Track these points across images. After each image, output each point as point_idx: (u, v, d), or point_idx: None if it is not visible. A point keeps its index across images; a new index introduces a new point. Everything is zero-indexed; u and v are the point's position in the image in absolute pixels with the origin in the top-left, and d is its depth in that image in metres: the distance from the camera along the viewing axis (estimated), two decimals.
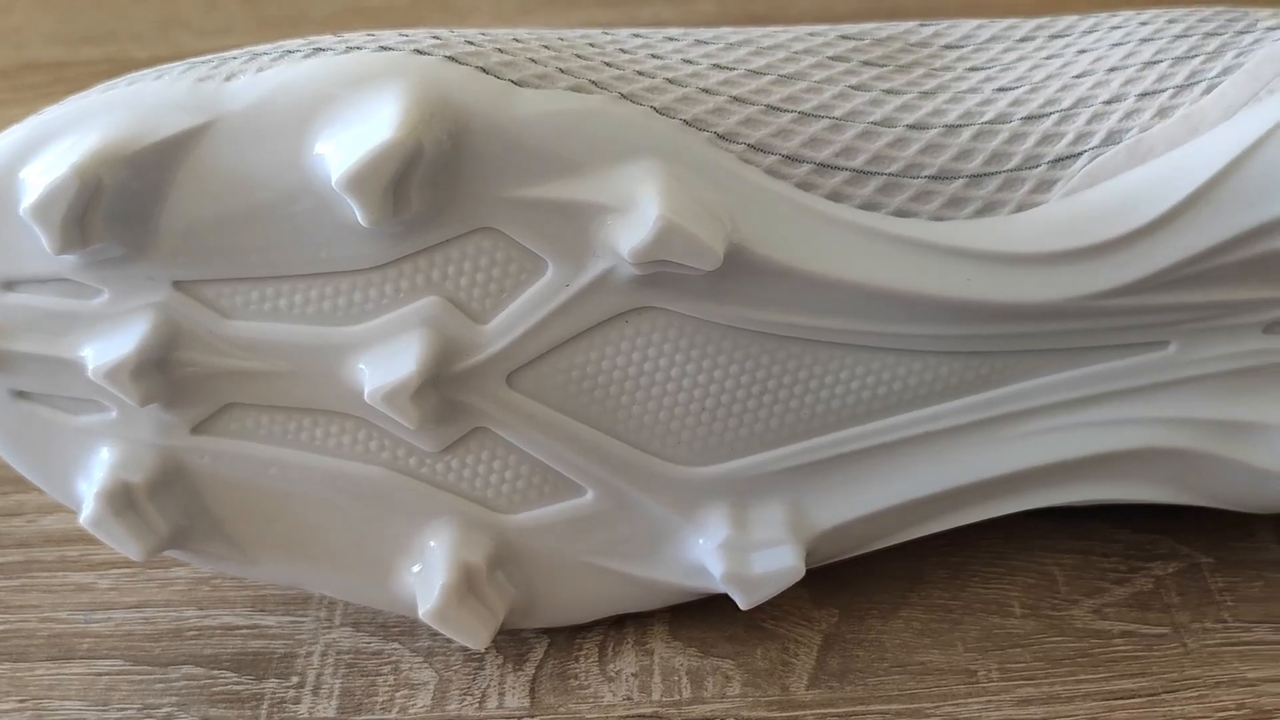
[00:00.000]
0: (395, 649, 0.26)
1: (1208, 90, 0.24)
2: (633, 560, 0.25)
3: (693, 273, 0.22)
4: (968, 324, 0.24)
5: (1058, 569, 0.27)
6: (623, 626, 0.26)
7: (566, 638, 0.26)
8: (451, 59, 0.22)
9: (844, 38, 0.26)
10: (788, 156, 0.23)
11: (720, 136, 0.23)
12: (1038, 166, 0.24)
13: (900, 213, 0.24)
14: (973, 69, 0.26)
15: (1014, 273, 0.23)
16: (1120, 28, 0.26)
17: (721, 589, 0.24)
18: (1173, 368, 0.24)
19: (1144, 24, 0.26)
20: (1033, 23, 0.27)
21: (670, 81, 0.24)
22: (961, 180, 0.24)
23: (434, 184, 0.22)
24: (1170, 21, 0.26)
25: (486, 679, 0.25)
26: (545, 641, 0.26)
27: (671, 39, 0.25)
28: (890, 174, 0.24)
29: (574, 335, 0.23)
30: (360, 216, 0.21)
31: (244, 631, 0.27)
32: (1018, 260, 0.23)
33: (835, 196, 0.23)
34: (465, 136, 0.22)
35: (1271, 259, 0.23)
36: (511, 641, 0.26)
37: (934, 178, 0.24)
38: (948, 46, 0.26)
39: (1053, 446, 0.25)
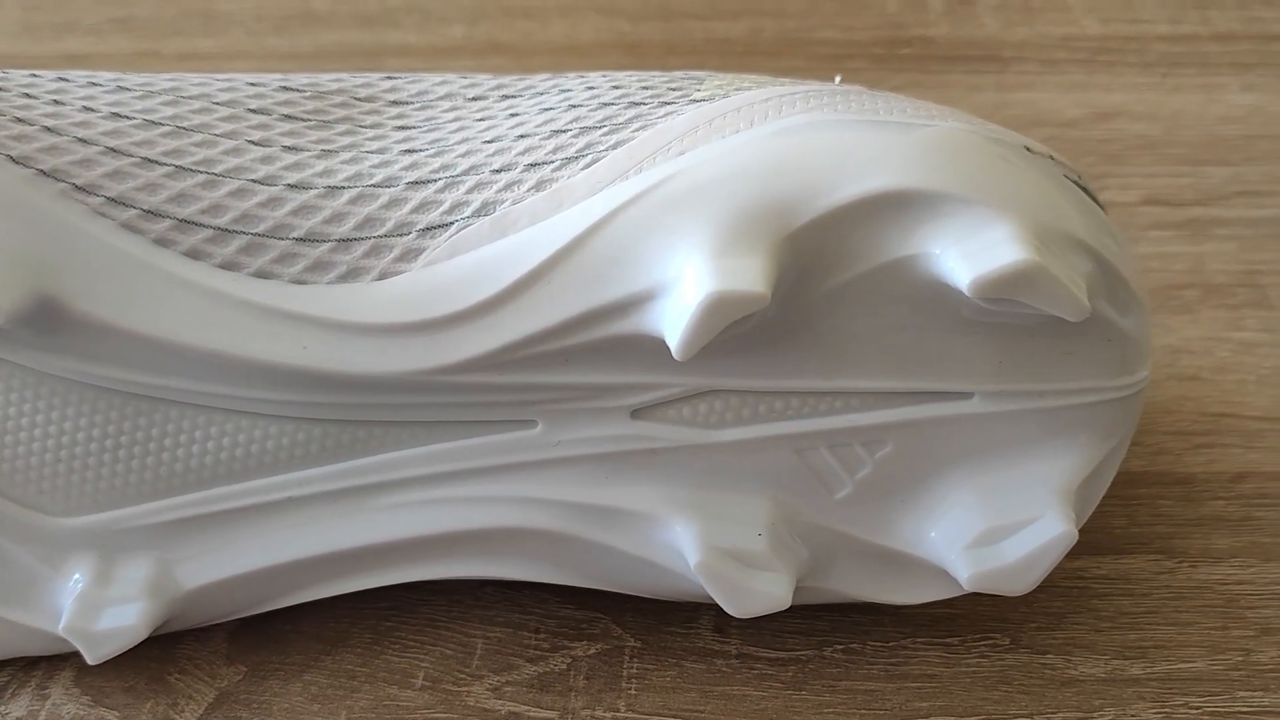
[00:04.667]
0: None
1: (591, 164, 0.23)
2: (9, 606, 0.25)
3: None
4: (312, 392, 0.23)
5: (482, 641, 0.26)
6: (34, 668, 0.26)
7: None
8: None
9: (285, 88, 0.26)
10: (149, 211, 0.23)
11: (78, 188, 0.23)
12: (408, 234, 0.23)
13: (261, 274, 0.23)
14: (402, 128, 0.25)
15: (353, 343, 0.23)
16: (568, 90, 0.26)
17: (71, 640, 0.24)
18: (540, 448, 0.24)
19: (590, 87, 0.26)
20: (495, 80, 0.27)
21: (47, 130, 0.23)
22: (329, 244, 0.23)
23: None
24: (615, 86, 0.25)
25: None
26: None
27: (94, 84, 0.25)
28: (256, 234, 0.23)
29: None
30: None
31: None
32: (358, 330, 0.23)
33: (194, 254, 0.23)
34: None
35: (623, 343, 0.23)
36: None
37: (300, 240, 0.23)
38: (395, 102, 0.26)
39: (422, 520, 0.24)
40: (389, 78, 0.27)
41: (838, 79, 0.27)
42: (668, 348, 0.22)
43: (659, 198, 0.22)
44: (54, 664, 0.26)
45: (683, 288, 0.21)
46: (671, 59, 0.46)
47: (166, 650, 0.26)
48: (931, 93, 0.43)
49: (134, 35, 0.49)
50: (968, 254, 0.21)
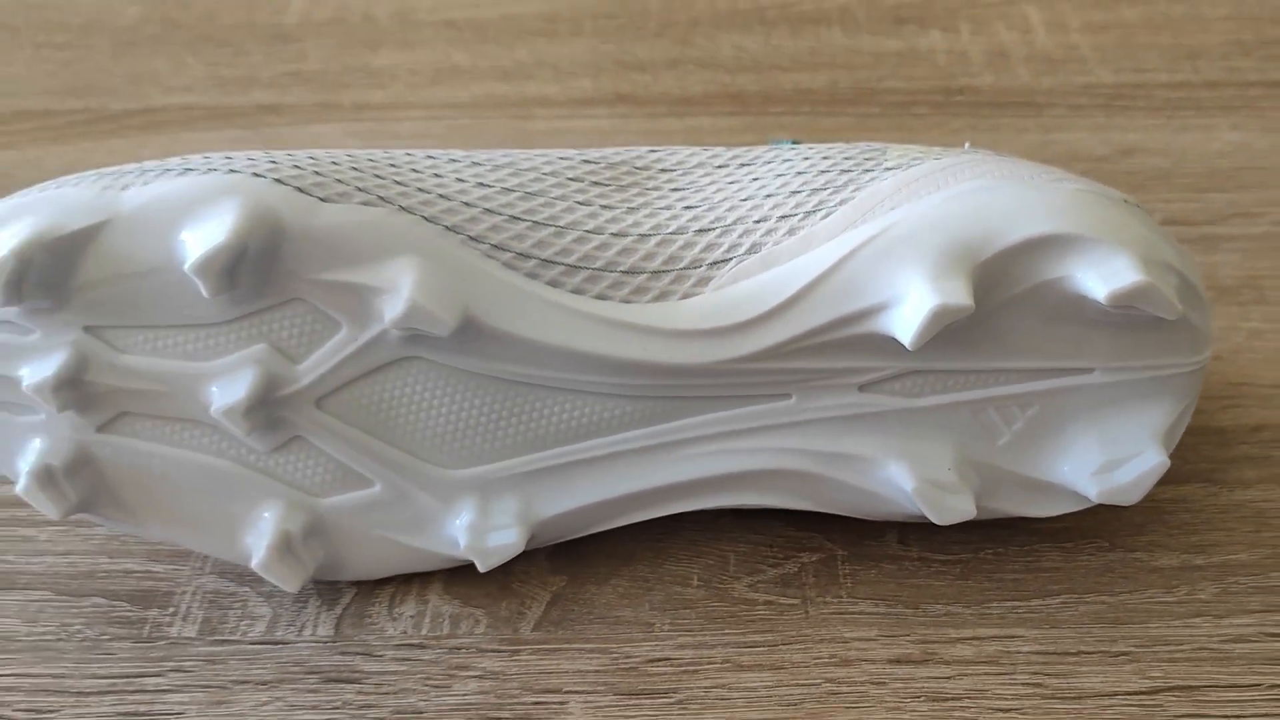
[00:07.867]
0: (246, 591, 0.36)
1: (825, 216, 0.34)
2: (411, 535, 0.35)
3: (438, 335, 0.32)
4: (644, 378, 0.33)
5: (733, 554, 0.37)
6: (410, 582, 0.36)
7: (369, 588, 0.36)
8: (278, 181, 0.32)
9: (586, 161, 0.36)
10: (520, 254, 0.33)
11: (471, 238, 0.33)
12: (700, 267, 0.34)
13: (600, 297, 0.33)
14: (675, 189, 0.36)
15: (676, 343, 0.33)
16: (789, 160, 0.36)
17: (468, 557, 0.34)
18: (793, 413, 0.34)
19: (806, 158, 0.36)
20: (730, 152, 0.37)
21: (441, 196, 0.33)
22: (645, 275, 0.34)
23: (257, 270, 0.32)
24: (825, 157, 0.36)
25: (306, 615, 0.35)
26: (353, 591, 0.36)
27: (454, 160, 0.35)
28: (594, 269, 0.33)
29: (363, 374, 0.33)
30: (203, 290, 0.31)
31: (139, 574, 0.37)
32: (679, 334, 0.33)
33: (554, 284, 0.33)
34: (280, 238, 0.31)
35: (860, 339, 0.33)
36: (329, 590, 0.36)
37: (625, 272, 0.33)
38: (663, 170, 0.36)
39: (708, 465, 0.34)
40: (652, 151, 0.37)
41: (966, 145, 0.37)
42: (890, 341, 0.33)
43: (885, 240, 0.32)
44: (425, 578, 0.36)
45: (911, 301, 0.32)
46: (771, 107, 0.56)
47: (504, 569, 0.36)
48: (987, 135, 0.53)
49: (309, 88, 0.59)
50: (1103, 276, 0.31)
